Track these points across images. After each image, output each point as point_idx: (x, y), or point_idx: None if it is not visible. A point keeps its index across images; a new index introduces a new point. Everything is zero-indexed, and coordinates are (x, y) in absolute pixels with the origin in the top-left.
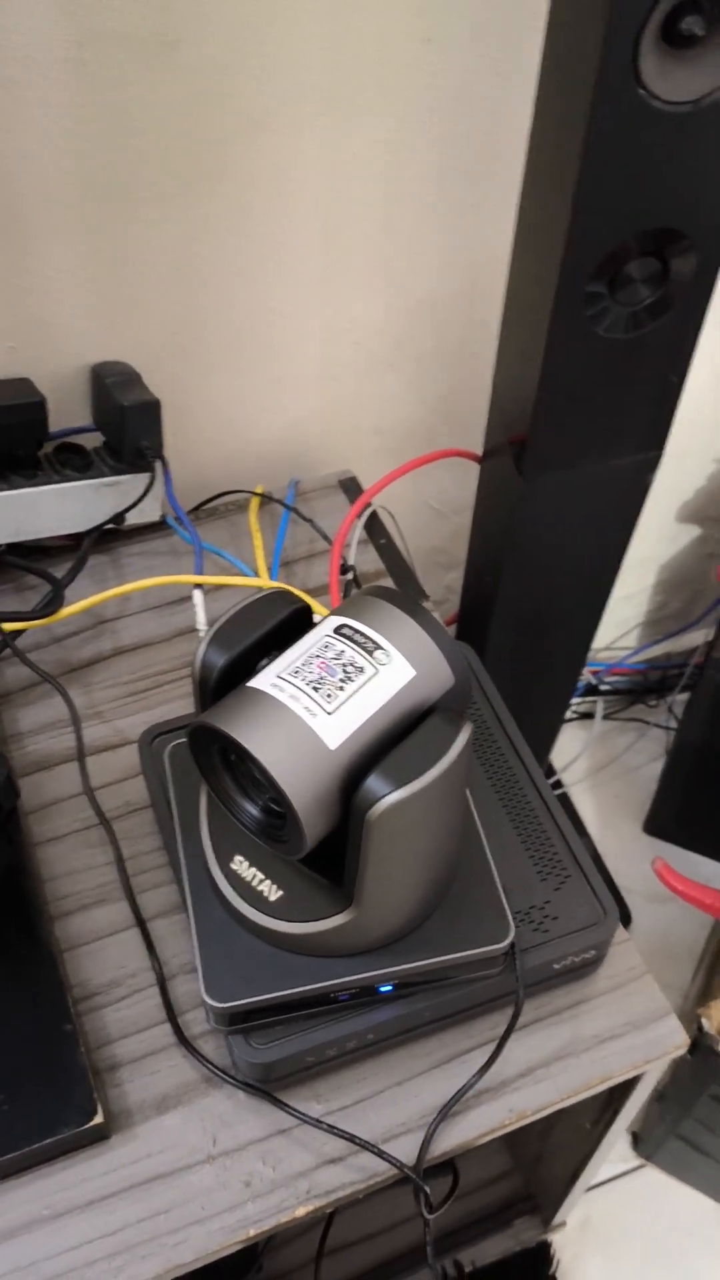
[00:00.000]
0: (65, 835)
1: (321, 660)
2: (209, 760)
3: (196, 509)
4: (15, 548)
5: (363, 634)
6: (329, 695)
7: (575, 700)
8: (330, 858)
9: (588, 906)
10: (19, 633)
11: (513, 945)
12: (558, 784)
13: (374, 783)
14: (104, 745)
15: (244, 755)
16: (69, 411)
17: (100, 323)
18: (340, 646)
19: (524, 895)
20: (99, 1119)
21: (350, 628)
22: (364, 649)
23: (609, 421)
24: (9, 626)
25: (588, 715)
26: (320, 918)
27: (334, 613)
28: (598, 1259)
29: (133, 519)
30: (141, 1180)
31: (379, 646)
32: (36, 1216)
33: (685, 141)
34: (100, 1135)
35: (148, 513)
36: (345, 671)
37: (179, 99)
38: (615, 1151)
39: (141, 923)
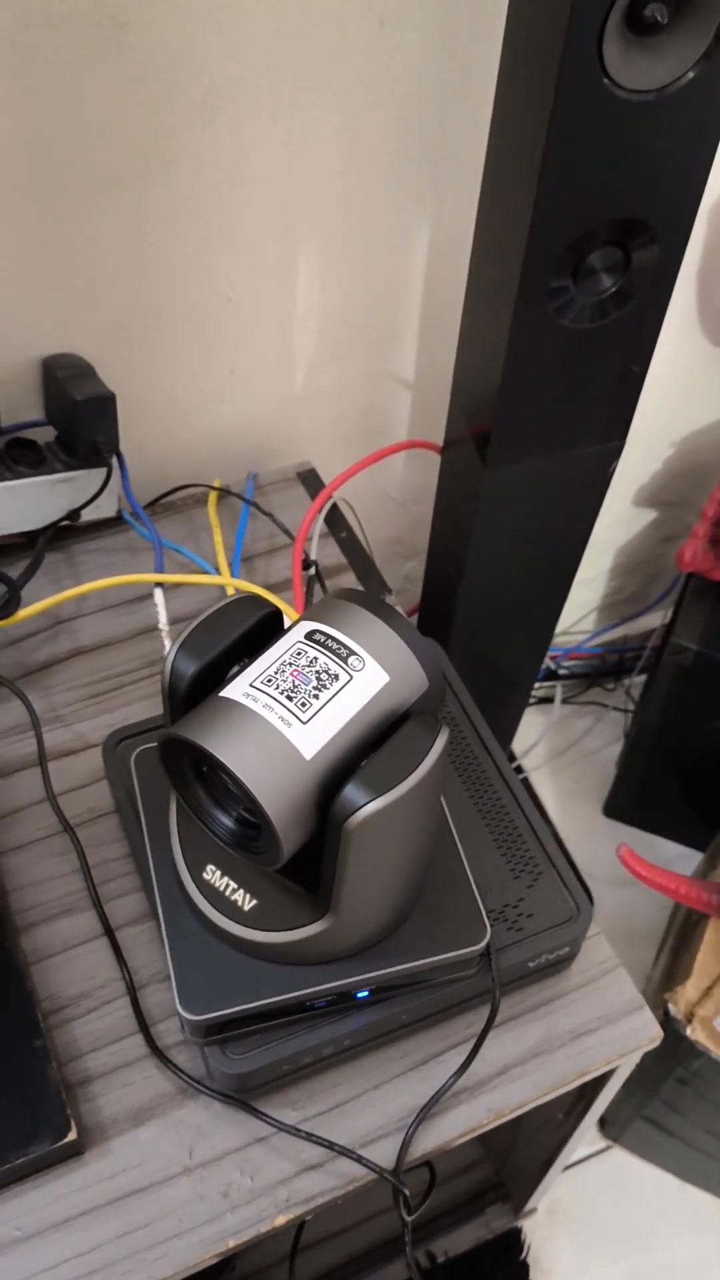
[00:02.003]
0: (28, 844)
1: (295, 668)
2: (180, 772)
3: (153, 504)
4: None
5: (335, 639)
6: (303, 704)
7: (536, 684)
8: (305, 866)
9: (561, 903)
10: None
11: (489, 945)
12: (518, 769)
13: (351, 792)
14: (65, 750)
15: (218, 767)
16: (19, 405)
17: (50, 314)
18: (313, 653)
19: (498, 894)
20: (72, 1135)
21: (322, 633)
22: (337, 655)
23: (572, 412)
24: None
25: (546, 700)
26: (296, 926)
27: (305, 618)
28: (567, 1241)
29: (88, 515)
30: (118, 1196)
31: (352, 652)
32: (9, 1238)
33: (648, 131)
34: (74, 1152)
35: (104, 509)
36: (319, 679)
37: (128, 83)
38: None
39: (110, 932)
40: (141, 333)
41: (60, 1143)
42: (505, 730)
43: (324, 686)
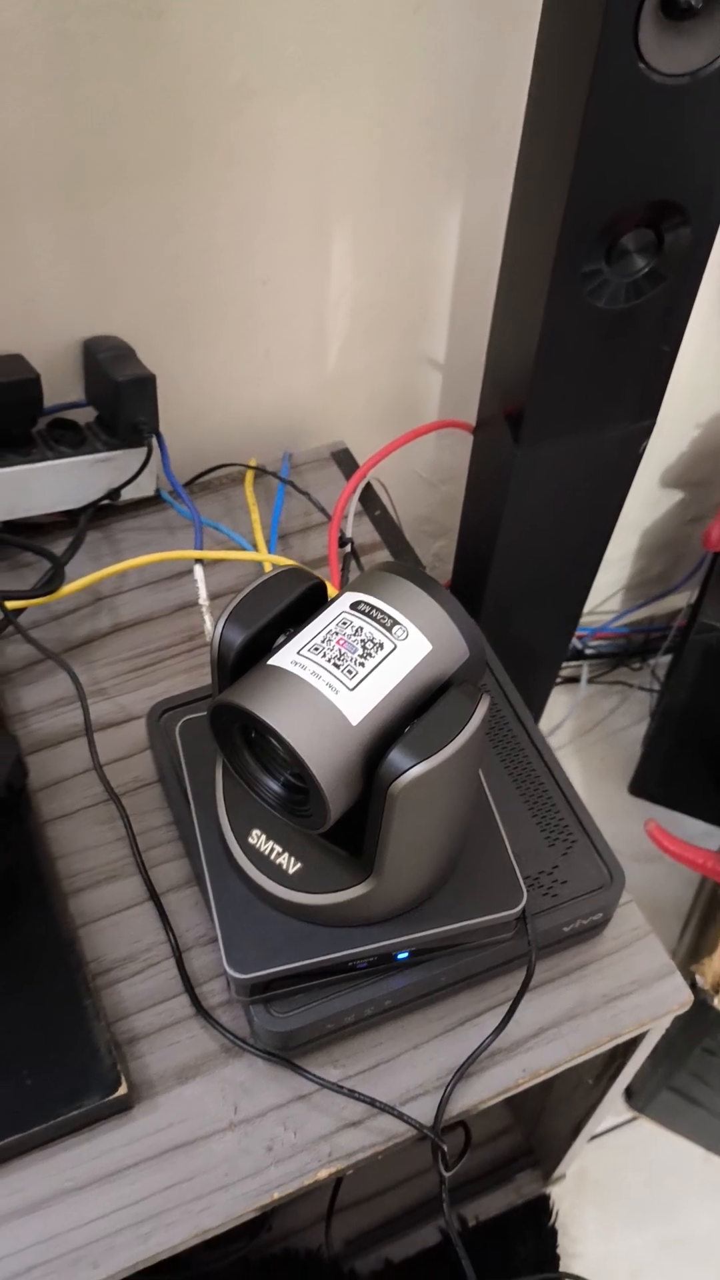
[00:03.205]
0: (75, 812)
1: (341, 637)
2: (229, 738)
3: (190, 483)
4: (9, 525)
5: (380, 609)
6: (350, 671)
7: (564, 663)
8: (348, 830)
9: (594, 870)
10: (20, 611)
11: (524, 910)
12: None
13: (397, 756)
14: (109, 722)
15: (268, 732)
16: (61, 387)
17: (90, 298)
18: (358, 623)
19: (533, 861)
20: (122, 1090)
21: (367, 604)
22: (382, 625)
23: (604, 392)
24: (11, 605)
25: (573, 679)
26: (339, 889)
27: (349, 589)
28: (593, 1209)
29: (128, 494)
30: (165, 1149)
31: (396, 622)
32: (61, 1188)
33: (682, 114)
34: (123, 1106)
35: (143, 488)
36: (364, 648)
37: (164, 71)
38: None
39: (155, 897)
40: (179, 315)
41: (110, 1097)
42: (533, 708)
43: (369, 654)
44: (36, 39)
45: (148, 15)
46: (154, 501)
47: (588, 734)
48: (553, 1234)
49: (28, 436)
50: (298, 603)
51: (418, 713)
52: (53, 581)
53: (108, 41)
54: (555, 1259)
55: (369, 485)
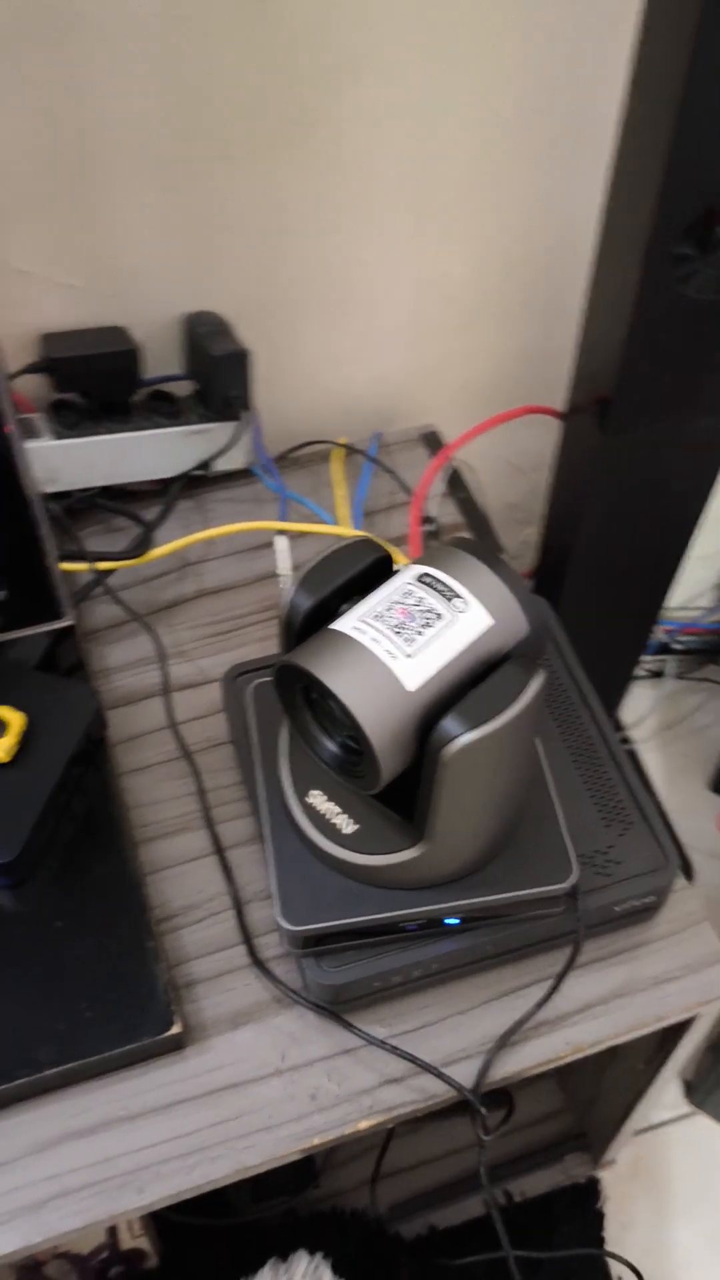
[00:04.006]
0: (150, 766)
1: (403, 606)
2: (292, 698)
3: (281, 458)
4: (106, 491)
5: (442, 582)
6: (409, 639)
7: (647, 658)
8: (403, 794)
9: (650, 852)
10: (110, 572)
11: (575, 886)
12: (626, 740)
13: (449, 723)
14: (187, 683)
15: (326, 694)
16: (162, 360)
17: (192, 273)
18: (420, 594)
19: (588, 839)
20: (176, 1029)
21: (431, 576)
22: (444, 596)
23: (693, 382)
24: (102, 566)
25: (658, 674)
26: (391, 851)
27: (415, 562)
28: (645, 1200)
29: (219, 466)
30: (214, 1089)
31: (457, 595)
32: (115, 1116)
33: None
34: (176, 1045)
35: (234, 460)
36: (425, 617)
37: (271, 52)
38: (668, 1097)
39: (220, 851)
40: (278, 294)
41: (163, 1035)
42: (613, 695)
43: (429, 624)
44: (149, 18)
45: (256, 2)
46: (245, 474)
47: (671, 729)
48: (599, 1217)
49: (127, 406)
50: (366, 572)
51: (474, 684)
52: (141, 546)
53: (218, 23)
54: (600, 1241)
55: (456, 469)
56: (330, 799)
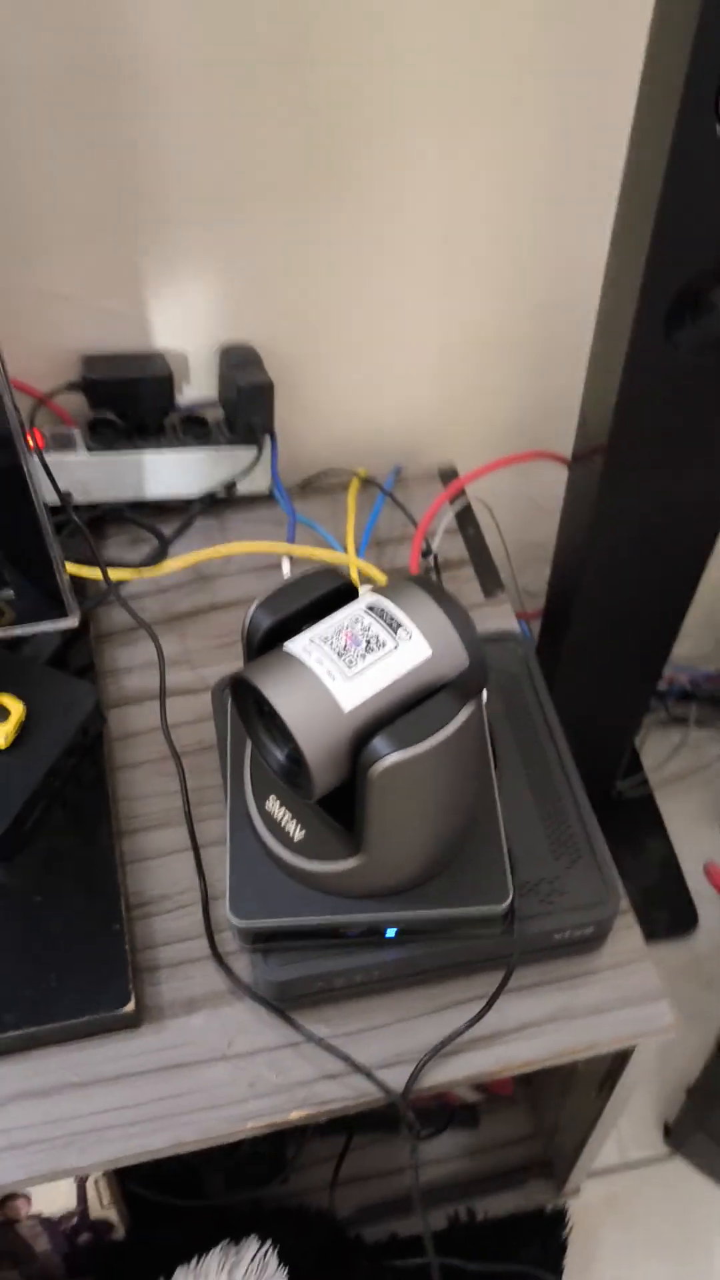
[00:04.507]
0: (142, 763)
1: (349, 631)
2: (246, 708)
3: (305, 484)
4: (137, 506)
5: (389, 613)
6: (350, 663)
7: (671, 703)
8: (348, 807)
9: (593, 886)
10: (123, 581)
11: (512, 909)
12: (643, 783)
13: (378, 743)
14: (188, 689)
15: (268, 706)
16: (200, 386)
17: (229, 306)
18: (368, 621)
19: (535, 868)
20: (130, 1007)
21: (380, 606)
22: (389, 626)
23: (686, 441)
24: (116, 574)
25: (681, 720)
26: (334, 859)
27: (371, 591)
28: (615, 1233)
29: (244, 489)
30: (163, 1066)
31: (401, 625)
32: (68, 1082)
33: None
34: (131, 1022)
35: (257, 484)
36: (368, 644)
37: (309, 105)
38: (647, 1139)
39: (196, 848)
40: (310, 329)
41: (121, 1010)
42: (617, 745)
43: (371, 650)
44: (197, 73)
45: (295, 60)
46: (269, 498)
47: (690, 777)
48: (562, 1247)
49: (160, 427)
50: (326, 598)
51: (408, 709)
52: (157, 557)
53: (260, 79)
54: (560, 1269)
55: (468, 506)
56: (284, 806)
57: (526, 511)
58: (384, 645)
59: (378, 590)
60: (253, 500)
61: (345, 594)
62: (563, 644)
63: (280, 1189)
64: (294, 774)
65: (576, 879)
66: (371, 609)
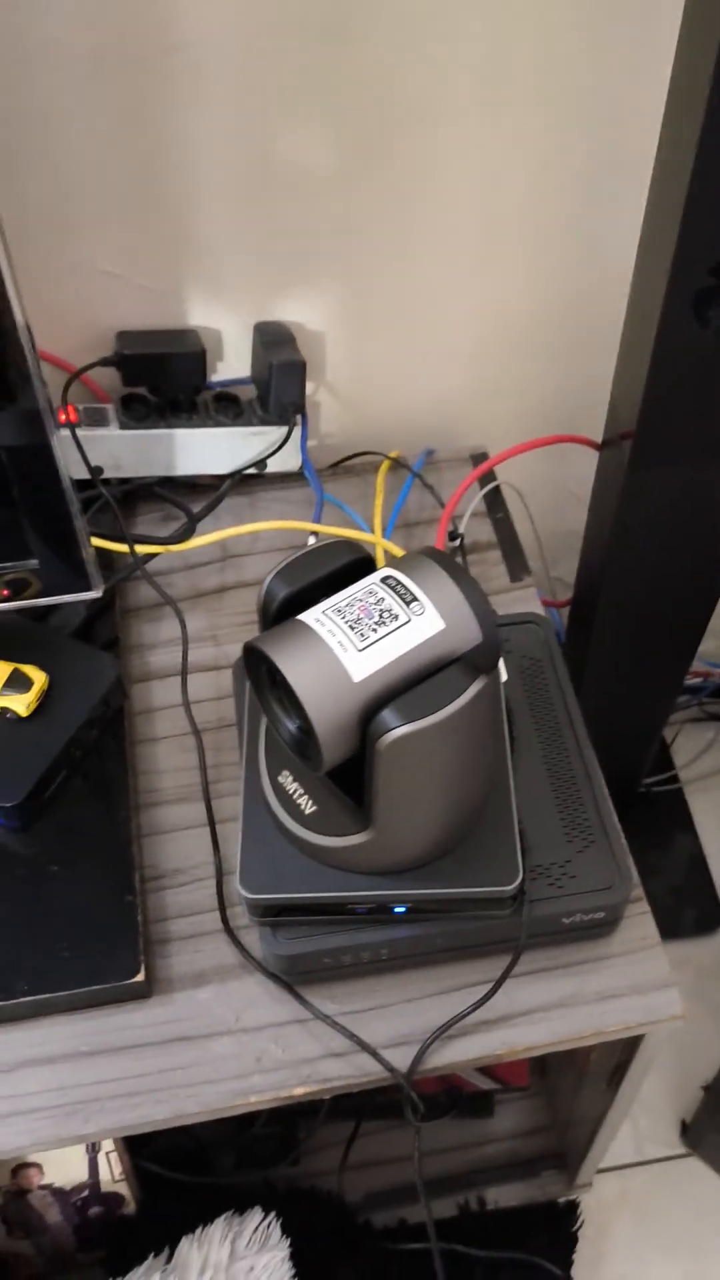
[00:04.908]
0: (163, 738)
1: (363, 604)
2: (259, 678)
3: (335, 465)
4: (167, 482)
5: (404, 585)
6: (362, 635)
7: (705, 700)
8: (359, 782)
9: (605, 871)
10: (150, 556)
11: (522, 891)
12: (674, 779)
13: (387, 715)
14: (211, 665)
15: (279, 676)
16: (233, 363)
17: (265, 285)
18: (382, 594)
19: (547, 851)
20: (140, 977)
21: (395, 579)
22: (402, 599)
23: (717, 426)
24: (141, 549)
25: (715, 716)
26: (343, 834)
27: (387, 565)
28: (628, 1228)
29: (275, 467)
30: (170, 1038)
31: (415, 598)
32: (76, 1050)
33: None
34: (140, 993)
35: (288, 462)
36: (381, 616)
37: (347, 89)
38: (664, 1136)
39: (212, 823)
40: (345, 310)
41: (130, 980)
42: (645, 737)
43: (383, 623)
44: (235, 53)
45: (336, 39)
46: (297, 477)
47: None
48: (572, 1239)
49: (193, 404)
50: (343, 570)
51: (419, 682)
52: (185, 534)
53: (299, 60)
54: (569, 1262)
55: (498, 489)
56: (296, 779)
57: (561, 500)
58: (397, 618)
59: (392, 563)
60: (283, 478)
61: (363, 566)
62: (590, 633)
63: (291, 1170)
64: (304, 745)
65: (589, 863)
66: (385, 581)
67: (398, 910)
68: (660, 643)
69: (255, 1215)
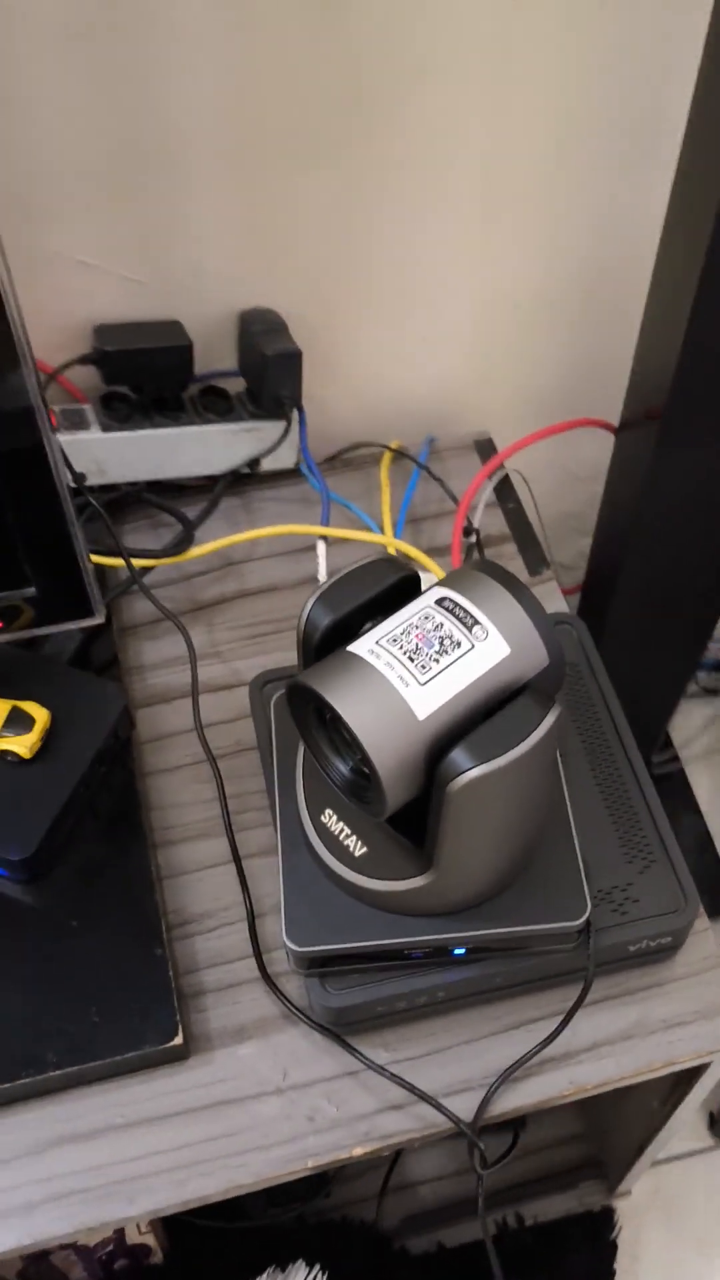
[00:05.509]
0: (176, 768)
1: (420, 631)
2: (305, 717)
3: (333, 459)
4: (154, 486)
5: (463, 608)
6: (423, 666)
7: (702, 675)
8: (415, 820)
9: (670, 893)
10: (147, 570)
11: (588, 923)
12: (674, 758)
13: (457, 756)
14: (220, 684)
15: (336, 717)
16: (216, 355)
17: (251, 270)
18: (439, 619)
19: (607, 875)
20: (179, 1040)
21: (451, 600)
22: (463, 623)
23: None
24: (139, 563)
25: (713, 692)
26: (400, 877)
27: (438, 584)
28: (660, 1230)
29: (268, 465)
30: (213, 1102)
31: (477, 622)
32: (111, 1123)
33: None
34: (179, 1056)
35: (283, 459)
36: (441, 644)
37: (340, 51)
38: (691, 1129)
39: (238, 860)
40: (338, 292)
41: (168, 1044)
42: (658, 716)
43: (445, 651)
44: (218, 20)
45: (331, 6)
46: (293, 474)
47: None
48: (612, 1247)
49: (178, 401)
50: (389, 591)
51: (487, 715)
52: (182, 544)
53: (287, 22)
54: (611, 1273)
55: (506, 477)
56: (341, 819)
57: (561, 481)
58: (459, 645)
59: (446, 583)
60: (276, 476)
61: (409, 585)
62: (604, 621)
63: (322, 1203)
64: (360, 789)
65: (651, 885)
66: (441, 604)
67: (456, 952)
68: (677, 627)
69: (300, 1269)
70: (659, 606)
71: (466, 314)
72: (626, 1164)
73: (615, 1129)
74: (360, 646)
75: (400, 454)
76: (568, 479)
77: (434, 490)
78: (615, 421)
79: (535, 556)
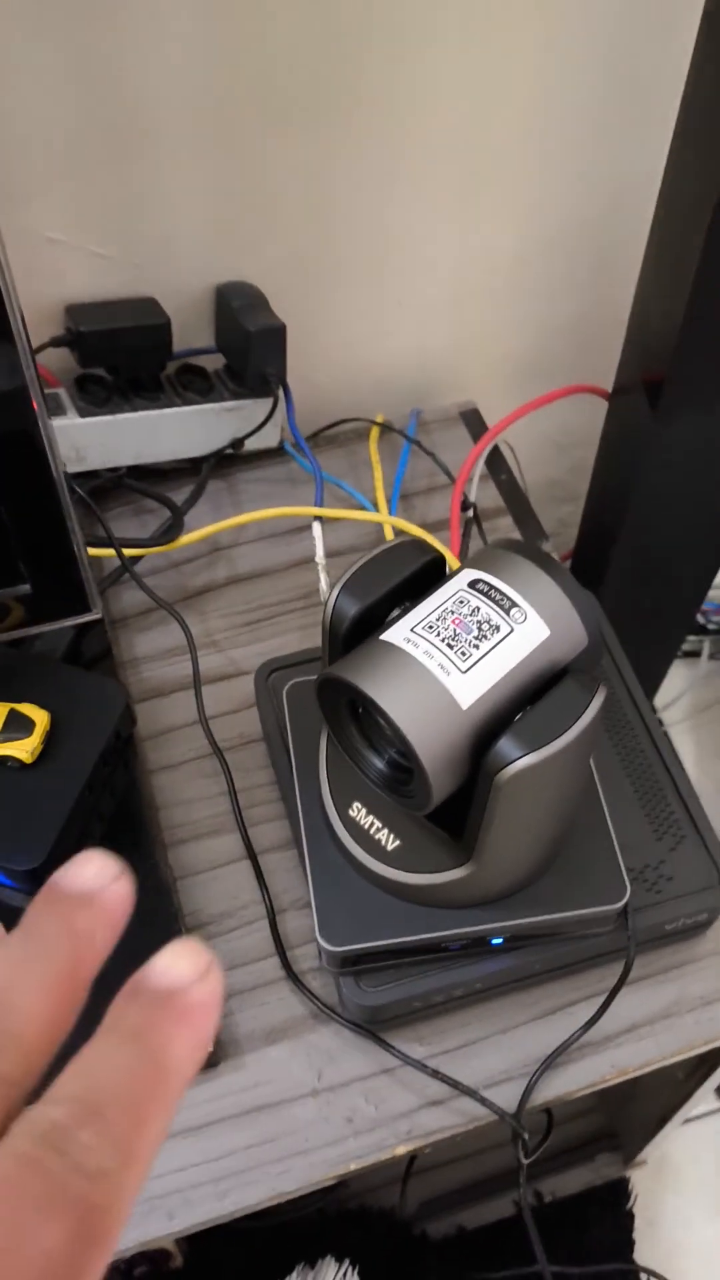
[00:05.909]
0: (180, 764)
1: (457, 616)
2: (336, 711)
3: (315, 436)
4: (135, 471)
5: (499, 590)
6: (463, 653)
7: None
8: (450, 812)
9: (703, 869)
10: (137, 559)
11: (627, 906)
12: (658, 722)
13: (506, 745)
14: (219, 675)
15: (374, 710)
16: (191, 332)
17: (227, 242)
18: (476, 602)
19: (639, 853)
20: (209, 1047)
21: (486, 583)
22: (500, 606)
23: None
24: (129, 552)
25: (693, 654)
26: (437, 870)
27: (469, 565)
28: (672, 1196)
29: (252, 445)
30: (248, 1109)
31: (515, 604)
32: None
33: None
34: (209, 1063)
35: (267, 439)
36: (480, 629)
37: (317, 13)
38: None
39: (253, 856)
40: (314, 263)
41: None
42: (649, 682)
43: (485, 637)
44: None
45: None
46: (277, 453)
47: (705, 711)
48: (629, 1217)
49: (156, 381)
50: (416, 576)
51: (531, 700)
52: (171, 531)
53: None
54: (630, 1243)
55: (496, 448)
56: (371, 813)
57: (544, 449)
58: (498, 630)
59: (475, 564)
60: (259, 456)
61: (437, 568)
62: (597, 588)
63: (341, 1191)
64: (399, 784)
65: (684, 862)
66: (475, 586)
67: (495, 942)
68: (670, 595)
69: (330, 1266)
70: (652, 573)
71: (446, 280)
72: (646, 1135)
73: (634, 1101)
74: (395, 635)
75: (387, 428)
76: (549, 446)
77: (423, 464)
78: (604, 386)
79: (533, 528)
